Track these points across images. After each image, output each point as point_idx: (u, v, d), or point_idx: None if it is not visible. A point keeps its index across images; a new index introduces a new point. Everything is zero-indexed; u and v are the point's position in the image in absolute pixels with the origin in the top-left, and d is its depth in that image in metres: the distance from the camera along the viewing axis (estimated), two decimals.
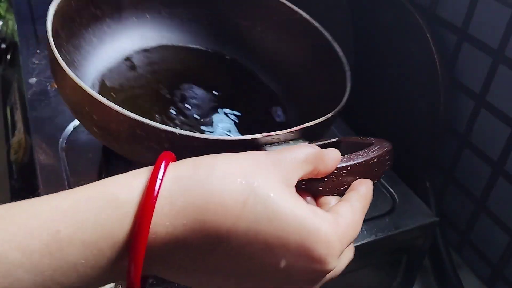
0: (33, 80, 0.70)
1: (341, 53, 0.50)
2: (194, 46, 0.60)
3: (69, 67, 0.43)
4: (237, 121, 0.53)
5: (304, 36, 0.54)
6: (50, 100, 0.66)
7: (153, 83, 0.56)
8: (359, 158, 0.37)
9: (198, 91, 0.56)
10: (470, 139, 0.64)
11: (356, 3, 0.70)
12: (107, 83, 0.54)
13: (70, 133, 0.60)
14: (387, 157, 0.40)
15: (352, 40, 0.69)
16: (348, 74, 0.48)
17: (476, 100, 0.62)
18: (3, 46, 0.87)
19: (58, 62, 0.39)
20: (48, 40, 0.41)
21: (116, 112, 0.36)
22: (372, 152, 0.38)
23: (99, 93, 0.49)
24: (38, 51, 0.76)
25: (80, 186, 0.31)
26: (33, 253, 0.28)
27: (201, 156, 0.33)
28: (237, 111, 0.54)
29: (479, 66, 0.60)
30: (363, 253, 0.50)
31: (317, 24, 0.53)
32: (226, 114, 0.54)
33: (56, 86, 0.68)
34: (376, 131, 0.72)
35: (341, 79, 0.48)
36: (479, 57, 0.60)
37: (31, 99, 0.66)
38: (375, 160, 0.38)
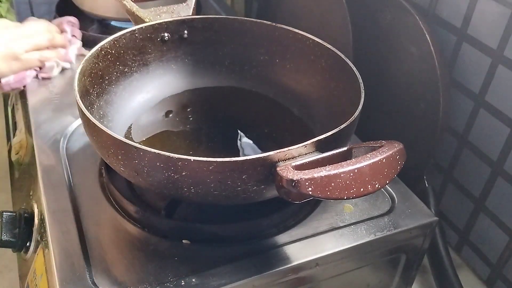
0: (34, 80, 0.70)
1: (353, 67, 0.52)
2: (218, 85, 0.64)
3: (102, 120, 0.53)
4: (263, 145, 0.57)
5: (319, 58, 0.58)
6: (51, 100, 0.66)
7: (183, 125, 0.60)
8: (366, 160, 0.38)
9: (226, 126, 0.60)
10: (469, 139, 0.64)
11: (355, 3, 0.70)
12: (139, 129, 0.58)
13: (71, 134, 0.60)
14: (397, 157, 0.40)
15: (352, 40, 0.69)
16: (361, 85, 0.50)
17: (475, 100, 0.62)
18: None
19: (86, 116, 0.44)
20: (75, 98, 0.46)
21: (136, 148, 0.40)
22: (381, 153, 0.39)
23: (130, 138, 0.55)
24: None
25: None
26: None
27: None
28: (264, 136, 0.59)
29: (478, 66, 0.60)
30: (362, 252, 0.51)
31: (328, 45, 0.56)
32: (252, 141, 0.58)
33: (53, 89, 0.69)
34: (375, 131, 0.73)
35: (355, 90, 0.50)
36: (478, 58, 0.60)
37: (32, 100, 0.66)
38: (384, 160, 0.38)
